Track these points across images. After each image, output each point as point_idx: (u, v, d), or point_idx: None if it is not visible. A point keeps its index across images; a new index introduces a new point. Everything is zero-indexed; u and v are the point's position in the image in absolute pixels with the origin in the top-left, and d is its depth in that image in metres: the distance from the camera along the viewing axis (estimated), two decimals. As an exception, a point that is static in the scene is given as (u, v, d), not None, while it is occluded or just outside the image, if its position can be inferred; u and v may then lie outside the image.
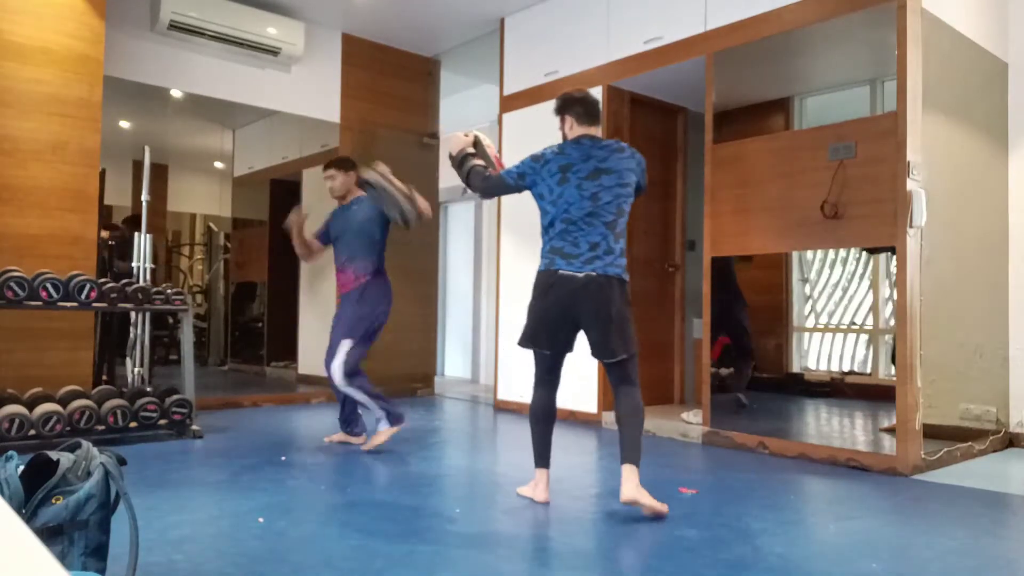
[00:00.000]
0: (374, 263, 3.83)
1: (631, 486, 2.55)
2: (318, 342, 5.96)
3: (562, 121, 2.89)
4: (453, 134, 3.16)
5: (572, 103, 2.86)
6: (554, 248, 2.74)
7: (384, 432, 3.72)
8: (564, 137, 2.88)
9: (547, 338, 2.76)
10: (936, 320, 3.57)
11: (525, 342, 2.81)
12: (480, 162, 3.02)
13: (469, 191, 3.10)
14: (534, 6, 5.36)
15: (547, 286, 2.73)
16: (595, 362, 4.79)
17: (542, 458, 2.83)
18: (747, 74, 4.19)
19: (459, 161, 3.03)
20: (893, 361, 3.48)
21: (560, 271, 2.70)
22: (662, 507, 2.57)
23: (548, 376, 2.85)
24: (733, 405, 4.16)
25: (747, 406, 4.13)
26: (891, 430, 3.47)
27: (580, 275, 2.67)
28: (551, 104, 5.01)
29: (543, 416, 2.84)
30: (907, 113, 3.40)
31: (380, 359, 3.79)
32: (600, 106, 2.89)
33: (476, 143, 3.08)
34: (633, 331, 2.78)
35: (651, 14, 4.60)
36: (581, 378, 4.73)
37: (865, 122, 3.59)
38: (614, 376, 2.78)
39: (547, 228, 2.80)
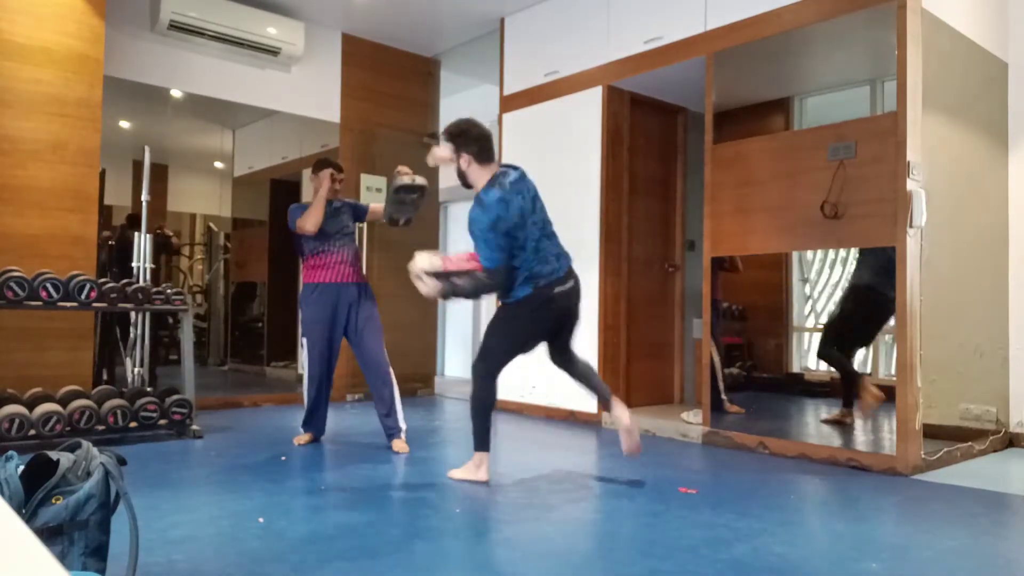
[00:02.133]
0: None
1: (627, 415, 3.09)
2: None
3: (456, 155, 2.93)
4: (417, 258, 2.90)
5: (468, 140, 2.92)
6: (536, 272, 2.96)
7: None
8: (460, 170, 2.97)
9: (531, 346, 3.12)
10: (936, 320, 3.57)
11: (514, 351, 3.09)
12: (464, 278, 2.89)
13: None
14: (534, 6, 5.36)
15: (543, 301, 2.98)
16: (595, 363, 4.79)
17: (486, 444, 3.08)
18: (747, 74, 4.19)
19: (451, 288, 2.89)
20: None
21: (556, 289, 2.98)
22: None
23: (501, 371, 3.08)
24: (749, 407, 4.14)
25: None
26: (834, 422, 3.68)
27: (568, 285, 3.02)
28: (551, 104, 5.04)
29: (492, 406, 3.10)
30: (907, 113, 3.40)
31: (380, 359, 3.80)
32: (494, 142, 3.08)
33: (435, 273, 2.89)
34: None
35: (651, 14, 4.60)
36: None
37: (865, 122, 3.58)
38: (560, 351, 3.18)
39: (522, 256, 2.95)
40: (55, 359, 4.11)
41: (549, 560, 2.17)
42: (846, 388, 3.80)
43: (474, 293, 2.95)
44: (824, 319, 4.06)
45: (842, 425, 3.76)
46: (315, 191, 3.85)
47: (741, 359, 4.27)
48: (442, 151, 3.01)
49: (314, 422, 3.94)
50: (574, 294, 3.05)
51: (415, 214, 3.78)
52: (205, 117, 5.89)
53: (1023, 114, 4.20)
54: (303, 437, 3.94)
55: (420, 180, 3.65)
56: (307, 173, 6.11)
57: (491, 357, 3.05)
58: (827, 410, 3.99)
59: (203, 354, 6.44)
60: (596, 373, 3.26)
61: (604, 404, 3.18)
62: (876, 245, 3.56)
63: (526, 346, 3.11)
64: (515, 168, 3.05)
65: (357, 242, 4.03)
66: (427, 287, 2.89)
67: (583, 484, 3.17)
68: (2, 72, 4.01)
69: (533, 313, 3.00)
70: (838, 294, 3.98)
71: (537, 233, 2.98)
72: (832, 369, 3.93)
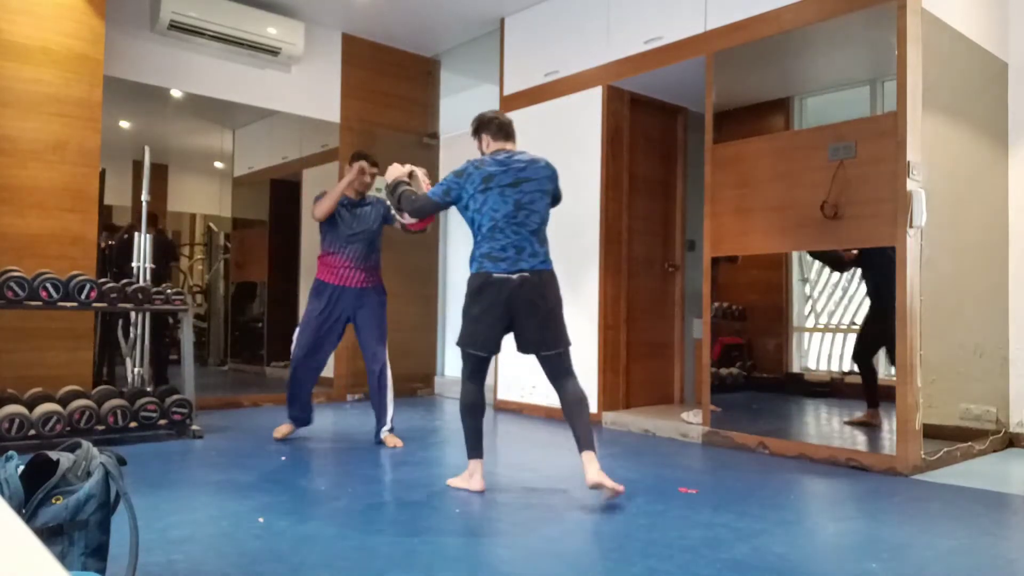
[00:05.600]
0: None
1: (594, 470, 2.75)
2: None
3: (479, 140, 3.09)
4: (392, 165, 3.32)
5: (487, 123, 3.07)
6: (483, 253, 2.90)
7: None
8: (482, 154, 3.07)
9: (484, 341, 2.92)
10: (936, 320, 3.57)
11: (466, 344, 2.94)
12: (412, 188, 3.19)
13: (399, 218, 3.25)
14: (534, 6, 5.36)
15: (480, 288, 2.89)
16: (595, 363, 4.79)
17: (476, 449, 3.01)
18: (747, 74, 4.19)
19: (392, 187, 3.20)
20: (892, 362, 3.48)
21: (493, 274, 2.86)
22: (620, 487, 2.77)
23: (480, 374, 3.02)
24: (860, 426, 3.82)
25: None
26: (860, 423, 3.60)
27: (515, 277, 2.85)
28: (551, 104, 5.08)
29: (477, 410, 3.02)
30: (907, 113, 3.40)
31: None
32: (513, 126, 3.13)
33: (411, 175, 3.27)
34: (564, 323, 2.99)
35: (651, 14, 4.60)
36: (580, 378, 4.72)
37: (865, 122, 3.58)
38: (552, 369, 2.99)
39: (476, 234, 2.96)
40: (55, 359, 4.11)
41: (549, 560, 2.17)
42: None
43: (393, 195, 3.17)
44: (824, 319, 4.06)
45: (868, 426, 3.70)
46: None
47: (741, 359, 4.27)
48: (395, 167, 3.25)
49: (295, 409, 3.98)
50: (520, 286, 2.84)
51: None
52: (205, 117, 5.89)
53: (1023, 114, 4.20)
54: (283, 429, 3.99)
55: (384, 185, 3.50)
56: (307, 173, 6.13)
57: (462, 348, 2.96)
58: (827, 410, 3.98)
59: (203, 354, 6.44)
60: (585, 412, 2.94)
61: (579, 447, 2.86)
62: (876, 245, 3.56)
63: (481, 327, 2.90)
64: (525, 155, 2.99)
65: (377, 244, 4.01)
66: (391, 175, 3.25)
67: (583, 484, 3.16)
68: (2, 72, 4.01)
69: (477, 294, 2.91)
70: (838, 294, 3.98)
71: (501, 218, 2.87)
72: (832, 369, 3.93)
